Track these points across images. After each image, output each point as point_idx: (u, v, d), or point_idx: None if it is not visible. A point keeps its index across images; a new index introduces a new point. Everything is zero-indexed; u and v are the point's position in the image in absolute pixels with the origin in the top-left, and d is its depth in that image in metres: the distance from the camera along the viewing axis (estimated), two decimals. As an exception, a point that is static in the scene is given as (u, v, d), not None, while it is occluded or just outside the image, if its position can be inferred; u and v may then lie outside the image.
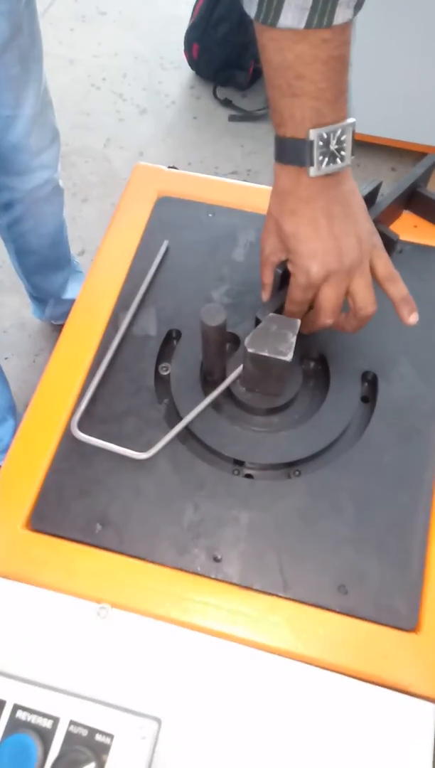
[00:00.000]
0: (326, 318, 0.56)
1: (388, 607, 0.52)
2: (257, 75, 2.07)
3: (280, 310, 0.59)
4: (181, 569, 0.54)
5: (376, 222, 0.64)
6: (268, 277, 0.59)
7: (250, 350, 0.55)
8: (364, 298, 0.55)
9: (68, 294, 1.47)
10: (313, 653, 0.51)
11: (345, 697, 0.49)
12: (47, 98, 1.05)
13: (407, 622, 0.52)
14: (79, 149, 2.00)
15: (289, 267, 0.56)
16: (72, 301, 0.70)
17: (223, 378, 0.62)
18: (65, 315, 0.68)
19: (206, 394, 0.61)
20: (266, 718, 0.48)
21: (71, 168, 1.95)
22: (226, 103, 2.10)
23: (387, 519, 0.56)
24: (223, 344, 0.59)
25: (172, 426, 0.60)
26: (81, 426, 0.60)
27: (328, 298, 0.55)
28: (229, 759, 0.47)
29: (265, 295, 0.61)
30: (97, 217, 1.85)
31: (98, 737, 0.43)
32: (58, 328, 1.62)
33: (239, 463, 0.60)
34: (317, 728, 0.48)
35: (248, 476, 0.59)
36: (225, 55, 2.04)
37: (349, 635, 0.52)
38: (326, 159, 0.50)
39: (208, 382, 0.64)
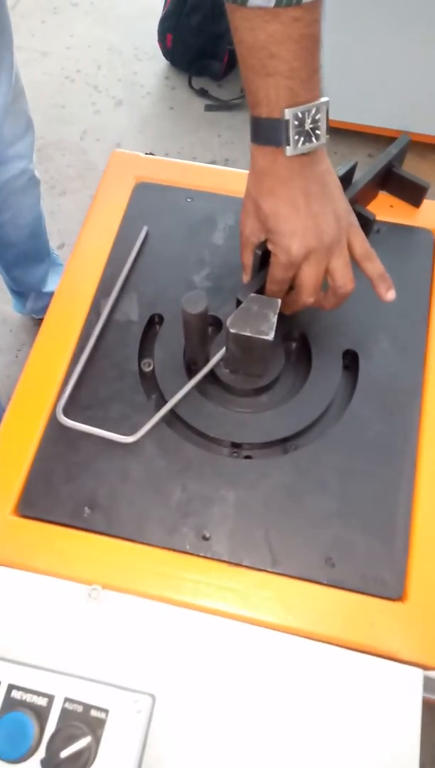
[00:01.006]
0: (307, 297, 0.57)
1: (374, 578, 0.53)
2: (232, 64, 2.07)
3: (261, 291, 0.59)
4: (170, 549, 0.55)
5: (353, 202, 0.65)
6: (248, 259, 0.60)
7: (232, 331, 0.56)
8: (344, 277, 0.56)
9: (49, 287, 1.47)
10: (303, 625, 0.52)
11: (335, 666, 0.50)
12: (19, 86, 1.04)
13: (394, 591, 0.53)
14: (55, 142, 1.99)
15: (270, 247, 0.56)
16: (52, 294, 0.70)
17: (207, 363, 0.62)
18: (46, 309, 0.68)
19: (190, 377, 0.62)
20: (259, 691, 0.49)
21: (48, 161, 1.93)
22: (202, 92, 2.09)
23: (372, 492, 0.57)
24: (205, 331, 0.59)
25: (157, 409, 0.61)
26: (66, 412, 0.60)
27: (309, 276, 0.55)
28: (223, 732, 0.48)
29: (246, 277, 0.61)
30: (75, 210, 1.84)
31: (93, 713, 0.43)
32: (39, 323, 1.59)
33: (225, 444, 0.61)
34: (309, 698, 0.49)
35: (234, 455, 0.60)
36: (199, 45, 2.03)
37: (338, 606, 0.53)
38: (302, 138, 0.51)
39: (191, 367, 0.64)
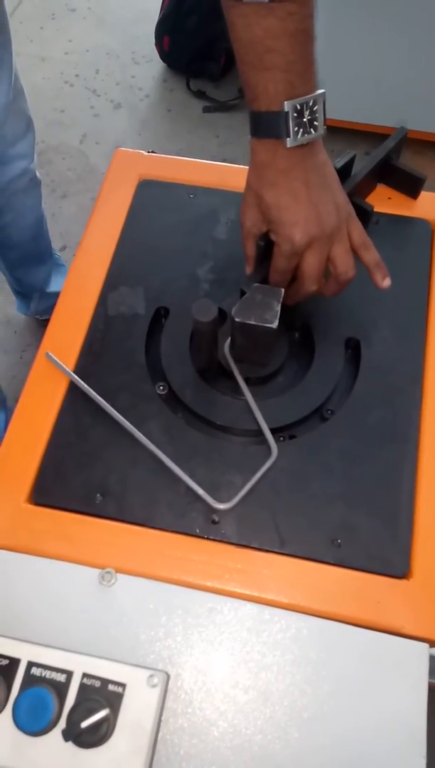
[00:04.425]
0: (310, 285, 0.58)
1: (380, 557, 0.55)
2: (229, 66, 2.09)
3: (264, 282, 0.61)
4: (180, 533, 0.56)
5: (352, 195, 0.67)
6: (251, 250, 0.61)
7: (237, 320, 0.57)
8: (345, 264, 0.57)
9: (52, 287, 1.48)
10: (311, 604, 0.53)
11: (344, 642, 0.51)
12: (18, 86, 1.04)
13: (399, 569, 0.54)
14: (55, 146, 2.01)
15: (272, 237, 0.57)
16: (56, 295, 0.71)
17: (215, 367, 0.64)
18: (50, 309, 0.69)
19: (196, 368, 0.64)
20: (270, 668, 0.51)
21: (49, 165, 1.95)
22: (200, 94, 2.11)
23: (376, 475, 0.58)
24: (216, 338, 0.60)
25: (164, 401, 0.62)
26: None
27: (311, 264, 0.57)
28: (235, 708, 0.49)
29: (249, 268, 0.63)
30: (76, 213, 1.86)
31: (111, 687, 0.45)
32: (43, 324, 1.62)
33: (230, 431, 0.62)
34: (318, 673, 0.50)
35: (240, 442, 0.62)
36: (196, 47, 2.05)
37: (345, 585, 0.54)
38: (301, 130, 0.52)
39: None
